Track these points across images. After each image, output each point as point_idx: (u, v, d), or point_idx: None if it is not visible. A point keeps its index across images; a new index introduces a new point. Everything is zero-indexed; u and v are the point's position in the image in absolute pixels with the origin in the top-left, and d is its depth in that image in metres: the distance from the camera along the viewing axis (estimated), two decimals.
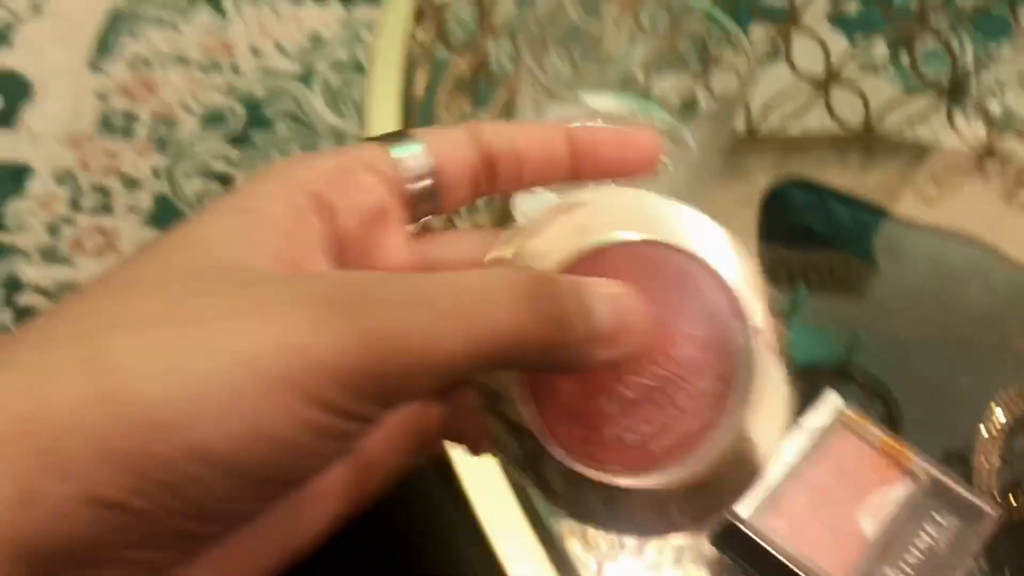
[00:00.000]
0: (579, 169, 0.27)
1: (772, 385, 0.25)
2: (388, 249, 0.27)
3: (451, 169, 0.26)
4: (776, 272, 0.65)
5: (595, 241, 0.25)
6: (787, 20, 0.71)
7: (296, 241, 0.23)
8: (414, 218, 0.28)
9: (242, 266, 0.22)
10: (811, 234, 0.67)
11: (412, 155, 0.26)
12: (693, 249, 0.25)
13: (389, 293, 0.21)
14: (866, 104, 0.74)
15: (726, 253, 0.26)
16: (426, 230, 0.28)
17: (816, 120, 0.73)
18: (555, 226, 0.26)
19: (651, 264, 0.25)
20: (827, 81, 0.73)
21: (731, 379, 0.25)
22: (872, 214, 0.69)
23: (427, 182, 0.26)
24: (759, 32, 0.73)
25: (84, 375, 0.19)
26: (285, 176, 0.24)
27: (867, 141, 0.74)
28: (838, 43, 0.84)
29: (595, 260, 0.25)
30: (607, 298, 0.23)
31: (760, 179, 0.70)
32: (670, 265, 0.25)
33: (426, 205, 0.27)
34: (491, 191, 0.28)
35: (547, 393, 0.25)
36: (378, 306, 0.21)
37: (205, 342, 0.20)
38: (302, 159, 0.25)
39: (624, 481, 0.24)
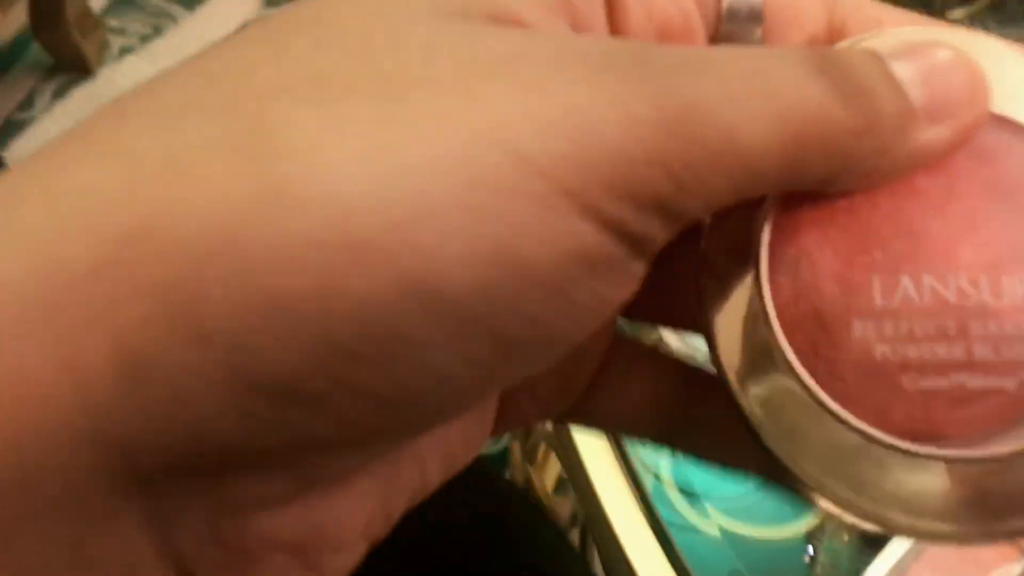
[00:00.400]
0: None
1: None
2: None
3: (783, 19, 0.19)
4: None
5: None
6: None
7: (564, 18, 0.16)
8: None
9: (481, 16, 0.15)
10: None
11: None
12: None
13: (680, 57, 0.15)
14: None
15: None
16: None
17: None
18: None
19: (982, 150, 0.18)
20: None
21: None
22: None
23: (750, 20, 0.19)
24: None
25: (236, 165, 0.12)
26: None
27: None
28: None
29: None
30: (914, 58, 0.17)
31: None
32: (1019, 156, 0.18)
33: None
34: None
35: (796, 259, 0.18)
36: (673, 72, 0.14)
37: (427, 115, 0.13)
38: None
39: (875, 432, 0.17)
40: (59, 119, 1.11)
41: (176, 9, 1.26)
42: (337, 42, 0.14)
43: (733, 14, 0.19)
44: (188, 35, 1.23)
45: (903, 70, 0.17)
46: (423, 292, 0.12)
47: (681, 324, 0.22)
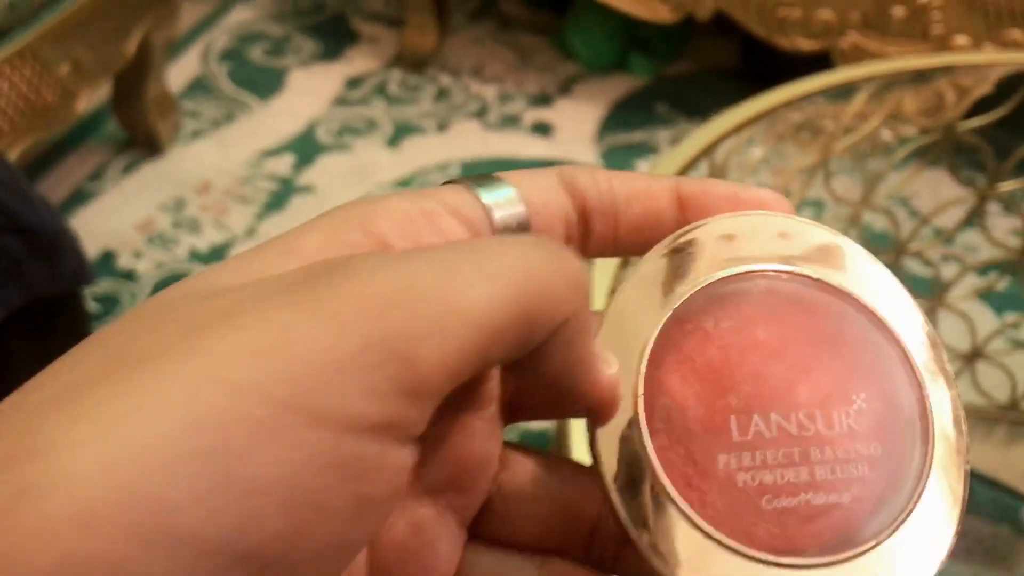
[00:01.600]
0: None
1: (941, 505, 0.20)
2: None
3: (546, 215, 0.21)
4: None
5: (726, 272, 0.22)
6: (934, 295, 0.75)
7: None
8: None
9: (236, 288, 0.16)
10: None
11: (504, 200, 0.21)
12: (865, 297, 0.22)
13: (390, 255, 0.16)
14: (1014, 381, 0.76)
15: (908, 315, 0.22)
16: None
17: (962, 394, 0.75)
18: (672, 257, 0.22)
19: (806, 306, 0.22)
20: (973, 356, 0.75)
21: (889, 479, 0.20)
22: (1017, 499, 0.69)
23: (519, 228, 0.21)
24: None
25: (3, 474, 0.14)
26: (346, 215, 0.19)
27: (1014, 417, 0.75)
28: (986, 318, 0.87)
29: (726, 297, 0.21)
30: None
31: None
32: (837, 312, 0.22)
33: None
34: (581, 251, 0.23)
35: (667, 409, 0.20)
36: (379, 267, 0.16)
37: (150, 379, 0.14)
38: (376, 199, 0.20)
39: (724, 538, 0.20)
40: (126, 193, 1.16)
41: (250, 98, 1.31)
42: (95, 350, 0.16)
43: (506, 231, 0.21)
44: (258, 124, 1.27)
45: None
46: (159, 538, 0.13)
47: None
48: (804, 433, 0.20)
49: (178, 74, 1.34)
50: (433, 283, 0.16)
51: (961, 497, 0.21)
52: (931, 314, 0.76)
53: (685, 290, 0.21)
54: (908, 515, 0.20)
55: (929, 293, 0.75)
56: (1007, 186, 0.69)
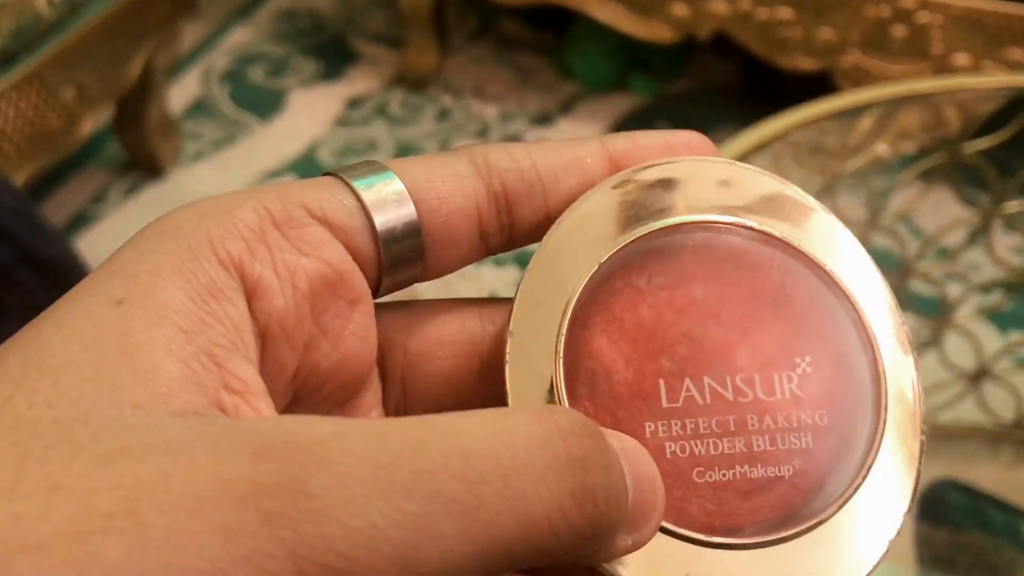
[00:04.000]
0: None
1: (893, 479, 0.19)
2: (344, 337, 0.18)
3: (444, 212, 0.19)
4: (922, 552, 0.66)
5: (660, 223, 0.20)
6: (940, 315, 0.75)
7: (202, 345, 0.16)
8: (390, 285, 0.19)
9: (100, 419, 0.14)
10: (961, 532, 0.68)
11: (384, 193, 0.18)
12: (815, 253, 0.20)
13: (345, 474, 0.13)
14: (1019, 400, 0.76)
15: (862, 273, 0.20)
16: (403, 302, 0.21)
17: (968, 413, 0.75)
18: (600, 205, 0.20)
19: (748, 261, 0.20)
20: (979, 376, 0.76)
21: (837, 451, 0.19)
22: (1020, 517, 0.69)
23: (406, 233, 0.18)
24: (910, 323, 0.77)
25: None
26: (190, 236, 0.17)
27: (1020, 436, 0.75)
28: (991, 337, 0.87)
29: (660, 251, 0.20)
30: (626, 456, 0.16)
31: None
32: (782, 268, 0.20)
33: (407, 267, 0.19)
34: (507, 241, 0.20)
35: (593, 372, 0.19)
36: (329, 504, 0.13)
37: None
38: (218, 205, 0.17)
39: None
40: (129, 216, 1.16)
41: (251, 119, 1.32)
42: None
43: (391, 238, 0.18)
44: (259, 146, 1.27)
45: (625, 471, 0.16)
46: None
47: None
48: (741, 400, 0.19)
49: (179, 96, 1.34)
50: (393, 541, 0.13)
51: (915, 470, 0.19)
52: (937, 334, 0.76)
53: (615, 243, 0.20)
54: (856, 490, 0.18)
55: (935, 313, 0.76)
56: (1012, 207, 0.69)
